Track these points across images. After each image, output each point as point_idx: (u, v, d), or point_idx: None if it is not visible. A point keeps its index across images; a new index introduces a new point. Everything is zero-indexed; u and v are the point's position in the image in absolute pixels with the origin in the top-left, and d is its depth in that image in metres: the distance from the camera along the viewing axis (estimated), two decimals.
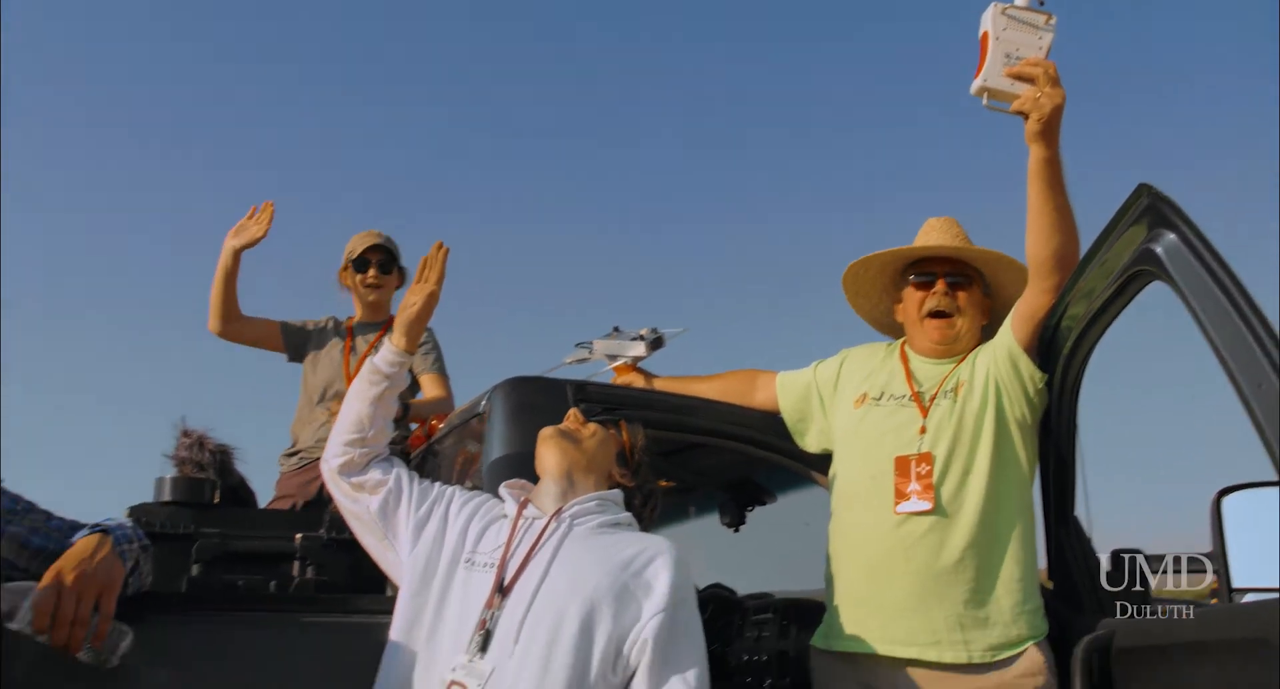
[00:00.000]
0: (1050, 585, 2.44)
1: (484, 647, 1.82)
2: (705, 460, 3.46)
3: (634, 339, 2.92)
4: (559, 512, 1.99)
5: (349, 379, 3.48)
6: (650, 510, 2.17)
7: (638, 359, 2.89)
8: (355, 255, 3.60)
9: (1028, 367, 2.31)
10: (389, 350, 2.13)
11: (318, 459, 3.24)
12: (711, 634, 3.38)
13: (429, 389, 3.55)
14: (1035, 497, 2.40)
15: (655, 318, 2.96)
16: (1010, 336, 2.34)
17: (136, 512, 2.27)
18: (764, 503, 3.73)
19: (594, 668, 1.77)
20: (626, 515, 2.05)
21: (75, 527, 1.84)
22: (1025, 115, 2.14)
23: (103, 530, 1.78)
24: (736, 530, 3.75)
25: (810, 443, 2.64)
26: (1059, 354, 2.28)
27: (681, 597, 1.86)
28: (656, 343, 2.92)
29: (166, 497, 2.33)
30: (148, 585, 1.89)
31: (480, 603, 1.88)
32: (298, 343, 3.68)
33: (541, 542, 1.94)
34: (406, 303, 2.15)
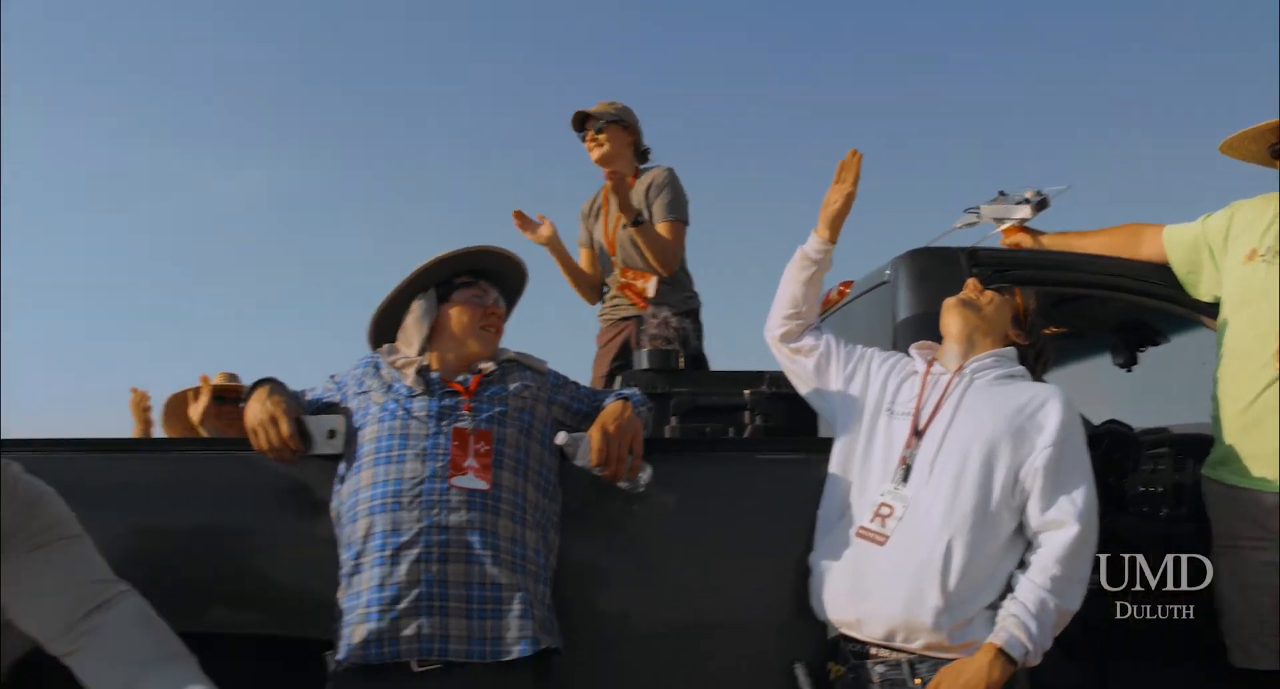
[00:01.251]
0: None
1: (905, 478, 2.28)
2: (1096, 307, 3.61)
3: (1019, 202, 3.12)
4: (961, 368, 2.37)
5: (606, 237, 4.00)
6: (1042, 364, 2.48)
7: (1023, 220, 3.09)
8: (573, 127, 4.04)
9: None
10: (815, 239, 2.52)
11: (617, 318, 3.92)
12: (1107, 467, 3.61)
13: (662, 233, 3.84)
14: None
15: (1038, 178, 3.14)
16: None
17: (626, 378, 2.93)
18: (1156, 344, 3.83)
19: (995, 493, 2.19)
20: (1020, 369, 2.39)
21: (597, 394, 2.51)
22: None
23: (623, 397, 2.42)
24: (1129, 370, 3.89)
25: (1203, 293, 2.77)
26: None
27: (1069, 433, 2.21)
28: (1041, 204, 3.09)
29: (645, 365, 2.97)
30: (648, 434, 2.52)
31: (900, 443, 2.33)
32: (588, 227, 4.17)
33: (947, 393, 2.34)
34: (828, 201, 2.51)
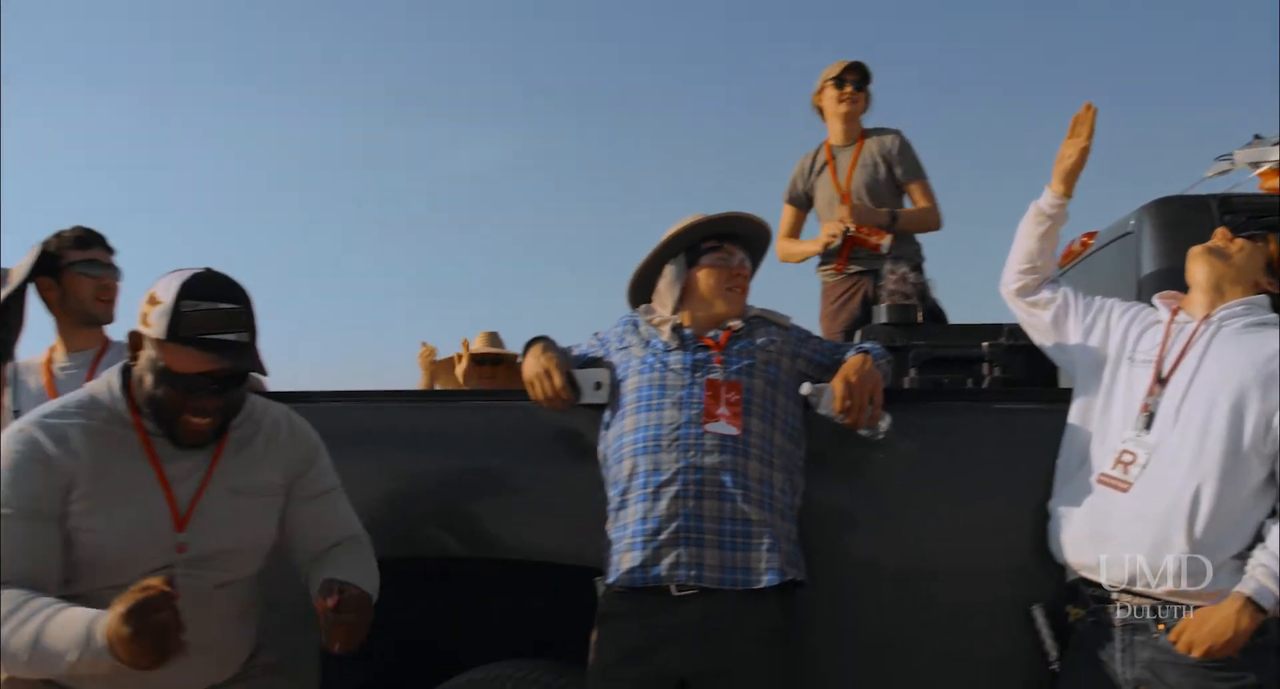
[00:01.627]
0: None
1: (1148, 425, 2.30)
2: None
3: (1277, 143, 3.00)
4: (1208, 316, 2.35)
5: (840, 192, 4.09)
6: None
7: None
8: (834, 75, 4.16)
9: None
10: (1050, 194, 2.53)
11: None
12: None
13: (916, 200, 4.08)
14: None
15: None
16: None
17: (866, 332, 3.06)
18: None
19: (1245, 440, 2.18)
20: (1273, 316, 2.34)
21: (838, 347, 2.66)
22: None
23: (863, 350, 2.56)
24: None
25: None
26: None
27: None
28: None
29: (884, 320, 3.09)
30: (887, 385, 2.62)
31: (1142, 391, 2.34)
32: (807, 183, 4.27)
33: (1193, 341, 2.33)
34: (1062, 155, 2.52)
